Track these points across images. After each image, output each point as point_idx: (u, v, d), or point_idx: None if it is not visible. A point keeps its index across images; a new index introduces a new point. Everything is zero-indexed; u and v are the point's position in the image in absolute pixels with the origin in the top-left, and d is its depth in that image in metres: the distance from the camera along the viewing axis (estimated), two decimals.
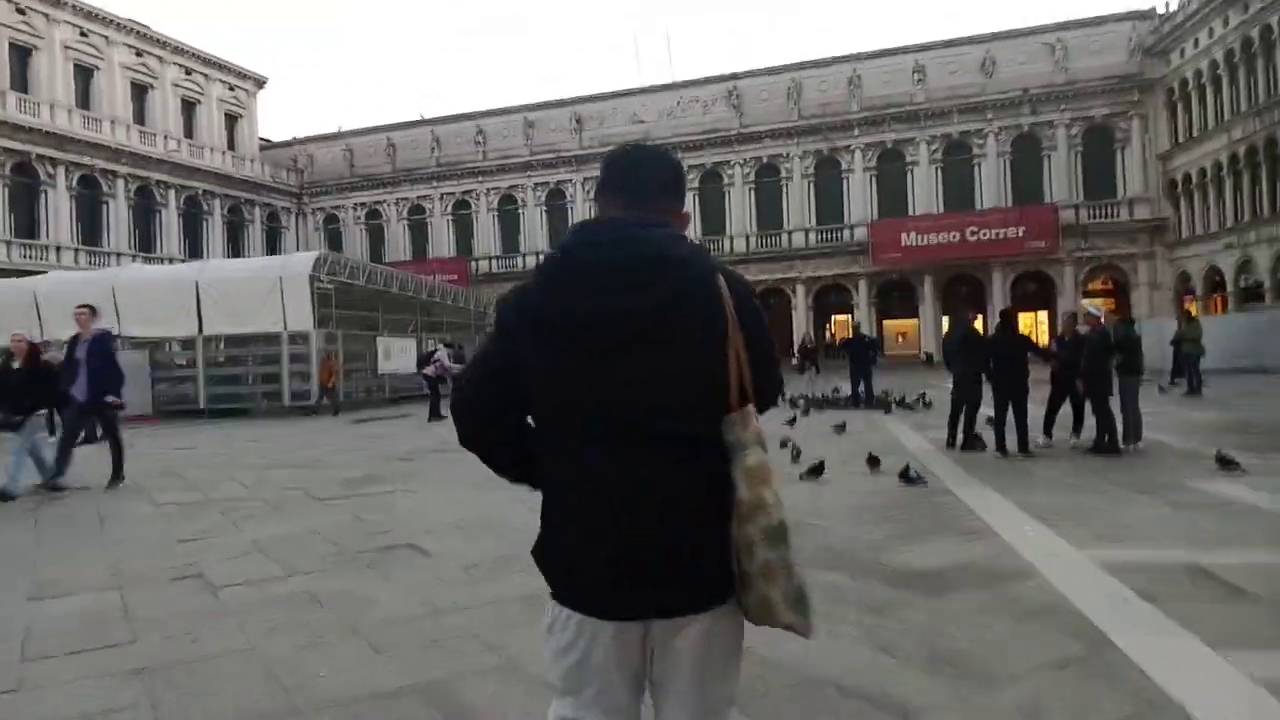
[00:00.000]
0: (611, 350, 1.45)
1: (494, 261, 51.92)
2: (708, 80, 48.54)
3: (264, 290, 20.92)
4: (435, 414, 16.49)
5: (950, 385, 9.54)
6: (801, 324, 46.74)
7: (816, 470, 7.49)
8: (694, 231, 48.00)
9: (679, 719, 1.51)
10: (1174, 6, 38.04)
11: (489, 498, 6.94)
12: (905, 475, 6.92)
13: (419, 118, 56.34)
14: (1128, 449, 8.52)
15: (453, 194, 53.41)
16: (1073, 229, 40.68)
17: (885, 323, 45.56)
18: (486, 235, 52.43)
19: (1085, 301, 9.62)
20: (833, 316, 49.48)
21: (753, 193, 47.33)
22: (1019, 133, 42.26)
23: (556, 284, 1.50)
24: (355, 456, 10.65)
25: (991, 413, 8.97)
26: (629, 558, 1.42)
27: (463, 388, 1.62)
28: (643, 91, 50.13)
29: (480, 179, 52.56)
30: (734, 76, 47.78)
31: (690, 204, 48.09)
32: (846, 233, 45.20)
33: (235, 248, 50.02)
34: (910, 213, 44.17)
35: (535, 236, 51.08)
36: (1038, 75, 41.52)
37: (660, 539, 1.42)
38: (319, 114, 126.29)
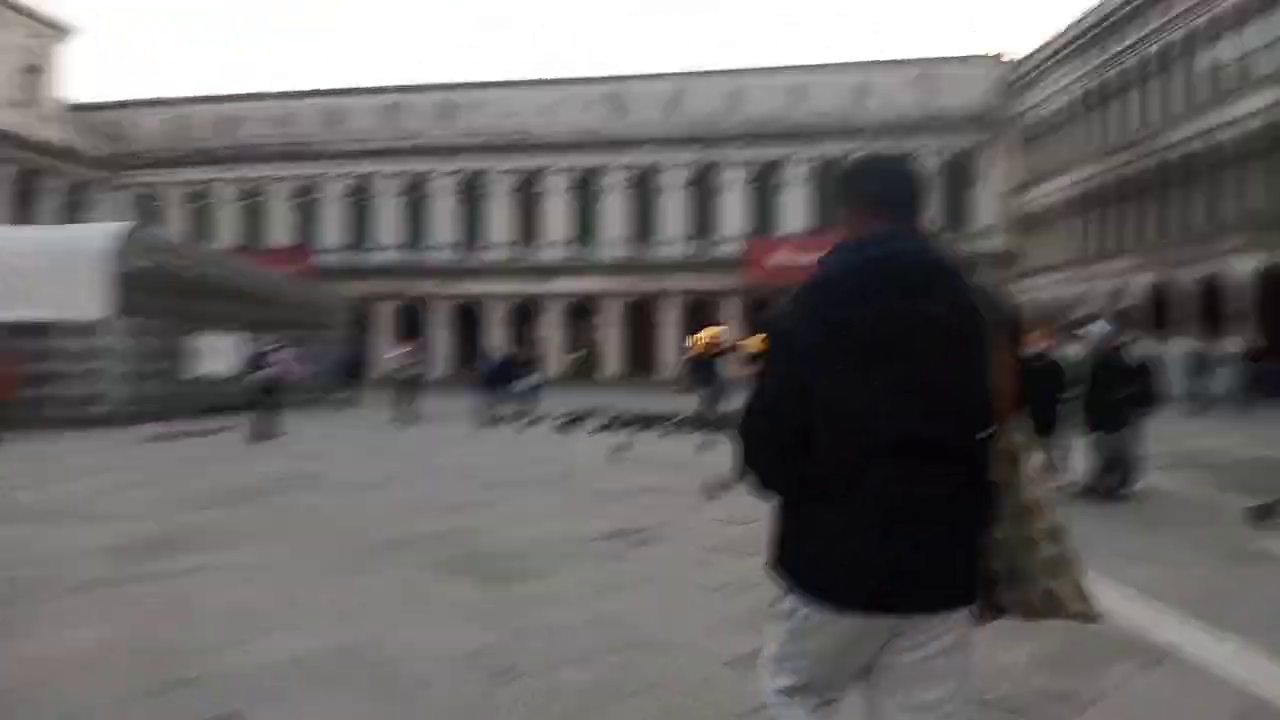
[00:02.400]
0: (913, 356, 1.50)
1: (340, 254, 47.35)
2: (590, 80, 46.63)
3: (47, 267, 16.76)
4: (268, 429, 13.37)
5: None
6: (672, 337, 45.78)
7: None
8: (567, 236, 45.94)
9: (909, 710, 1.55)
10: (1031, 49, 40.22)
11: (364, 584, 4.55)
12: None
13: (263, 90, 50.81)
14: (1126, 493, 7.29)
15: (296, 177, 48.33)
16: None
17: (751, 340, 45.31)
18: (333, 225, 47.76)
19: (1096, 325, 8.28)
20: (701, 329, 48.88)
21: (627, 200, 45.83)
22: None
23: (858, 294, 1.53)
24: (147, 498, 7.69)
25: None
26: (910, 564, 1.47)
27: (760, 430, 1.61)
28: (520, 84, 47.47)
29: (331, 163, 47.89)
30: (617, 79, 46.15)
31: (563, 207, 46.09)
32: (720, 247, 44.62)
33: (28, 221, 42.65)
34: (783, 230, 44.24)
35: (390, 229, 47.06)
36: (907, 105, 42.69)
37: (937, 544, 1.49)
38: (149, 81, 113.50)
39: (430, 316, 46.52)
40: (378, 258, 46.99)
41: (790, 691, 1.63)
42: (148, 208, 49.19)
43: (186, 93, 51.36)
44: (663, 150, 45.20)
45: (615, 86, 45.69)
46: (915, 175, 1.70)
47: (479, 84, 47.81)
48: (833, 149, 43.71)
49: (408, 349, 19.93)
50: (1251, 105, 26.48)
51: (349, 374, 26.72)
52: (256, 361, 14.34)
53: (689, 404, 18.49)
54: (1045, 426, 7.58)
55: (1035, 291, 39.97)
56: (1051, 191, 38.34)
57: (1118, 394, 7.31)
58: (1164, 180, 30.68)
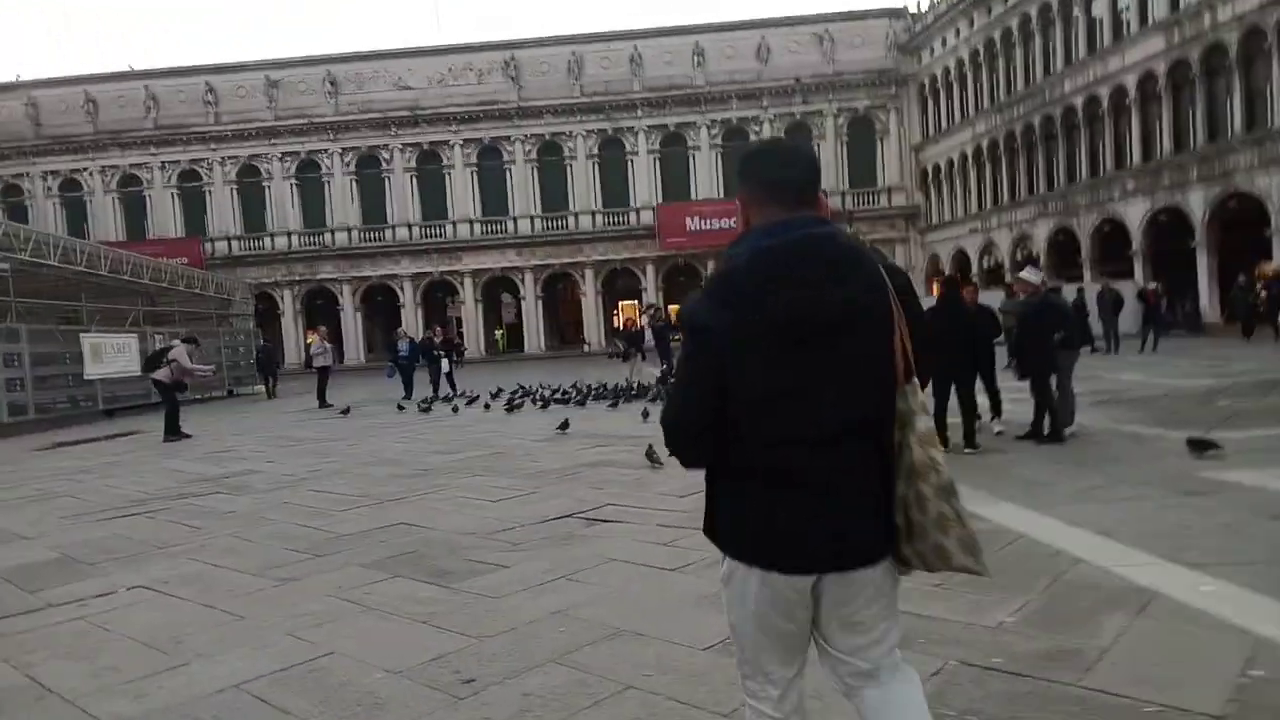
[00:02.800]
0: (824, 340, 1.56)
1: (234, 242, 44.82)
2: (483, 47, 45.16)
3: None
4: (173, 430, 12.45)
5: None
6: (591, 308, 45.36)
7: None
8: (476, 211, 44.70)
9: (857, 652, 1.67)
10: (925, 6, 41.11)
11: (300, 593, 4.14)
12: None
13: (128, 68, 47.17)
14: (1065, 434, 7.46)
15: (177, 162, 45.29)
16: (839, 214, 42.54)
17: (671, 307, 45.28)
18: (223, 212, 45.09)
19: (1026, 271, 8.34)
20: (620, 302, 48.63)
21: (536, 171, 44.88)
22: (792, 121, 43.66)
23: (773, 280, 1.55)
24: (40, 514, 6.94)
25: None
26: (826, 529, 1.58)
27: (679, 411, 1.66)
28: (408, 54, 45.55)
29: (213, 146, 45.02)
30: (511, 45, 44.84)
31: (469, 181, 44.76)
32: (633, 215, 44.30)
33: None
34: (694, 197, 44.21)
35: (285, 213, 44.76)
36: (809, 65, 43.08)
37: (853, 510, 1.60)
38: (1, 66, 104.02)
39: (339, 301, 44.68)
40: (274, 243, 44.68)
41: (747, 665, 1.71)
42: (11, 203, 45.27)
43: (43, 75, 47.11)
44: (566, 119, 44.34)
45: (510, 53, 44.40)
46: (812, 158, 1.74)
47: (366, 55, 45.65)
48: (738, 112, 43.87)
49: (316, 336, 18.88)
50: (1127, 59, 27.76)
51: (262, 365, 25.35)
52: (154, 360, 13.27)
53: (622, 374, 18.32)
54: (986, 371, 7.68)
55: (940, 244, 41.34)
56: (951, 146, 39.51)
57: (1054, 337, 7.43)
58: (1053, 132, 31.99)
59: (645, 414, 10.95)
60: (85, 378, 19.05)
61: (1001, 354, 8.58)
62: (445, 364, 18.43)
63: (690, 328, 1.61)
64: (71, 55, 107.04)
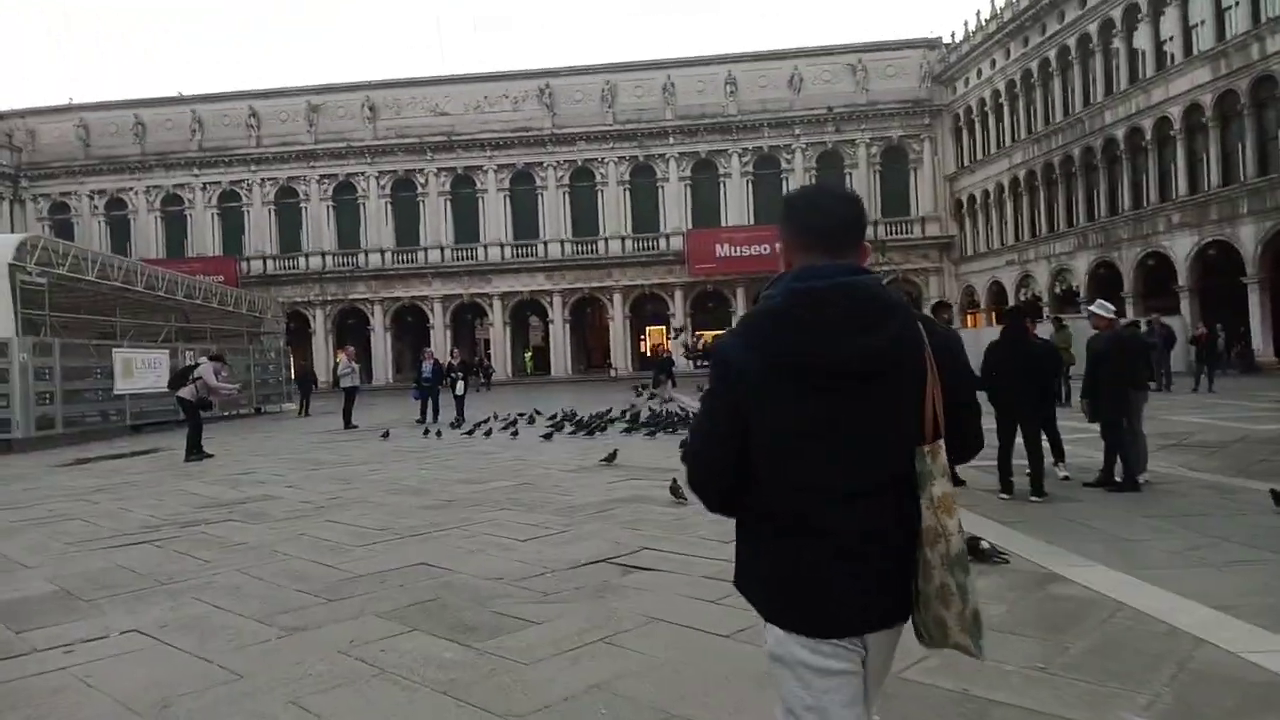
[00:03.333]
0: (848, 389, 1.52)
1: (269, 262, 45.34)
2: (518, 75, 45.56)
3: None
4: (195, 449, 12.22)
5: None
6: (619, 332, 45.08)
7: None
8: (507, 235, 44.81)
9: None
10: (960, 37, 40.74)
11: (308, 646, 3.73)
12: (977, 550, 4.58)
13: (176, 94, 48.26)
14: (1140, 482, 6.87)
15: (218, 183, 46.09)
16: (872, 244, 42.04)
17: (699, 333, 44.89)
18: (260, 232, 45.69)
19: (1097, 305, 7.74)
20: (647, 327, 48.33)
21: (567, 197, 44.96)
22: (824, 149, 43.37)
23: (801, 324, 1.53)
24: (45, 540, 6.63)
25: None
26: (859, 588, 1.54)
27: (699, 453, 1.64)
28: (447, 81, 46.12)
29: (253, 168, 45.76)
30: (547, 73, 45.19)
31: (501, 206, 44.93)
32: (662, 241, 44.12)
33: None
34: (723, 223, 43.96)
35: (321, 235, 45.23)
36: (841, 94, 42.85)
37: (886, 569, 1.55)
38: (55, 87, 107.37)
39: (370, 321, 44.88)
40: (309, 263, 45.09)
41: None
42: (59, 220, 46.27)
43: (95, 99, 48.36)
44: (599, 145, 44.46)
45: (545, 81, 44.72)
46: (856, 205, 1.68)
47: (404, 81, 46.27)
48: (770, 140, 43.68)
49: (344, 355, 18.70)
50: (1171, 90, 27.10)
51: (300, 383, 25.39)
52: (180, 377, 13.10)
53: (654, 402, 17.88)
54: (1046, 410, 7.14)
55: (975, 276, 40.56)
56: (987, 177, 38.90)
57: (1134, 375, 6.87)
58: (1093, 163, 31.30)
59: (684, 444, 10.42)
60: (115, 393, 19.03)
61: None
62: (460, 386, 17.98)
63: (717, 365, 1.59)
64: (70, 54, 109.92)
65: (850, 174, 43.27)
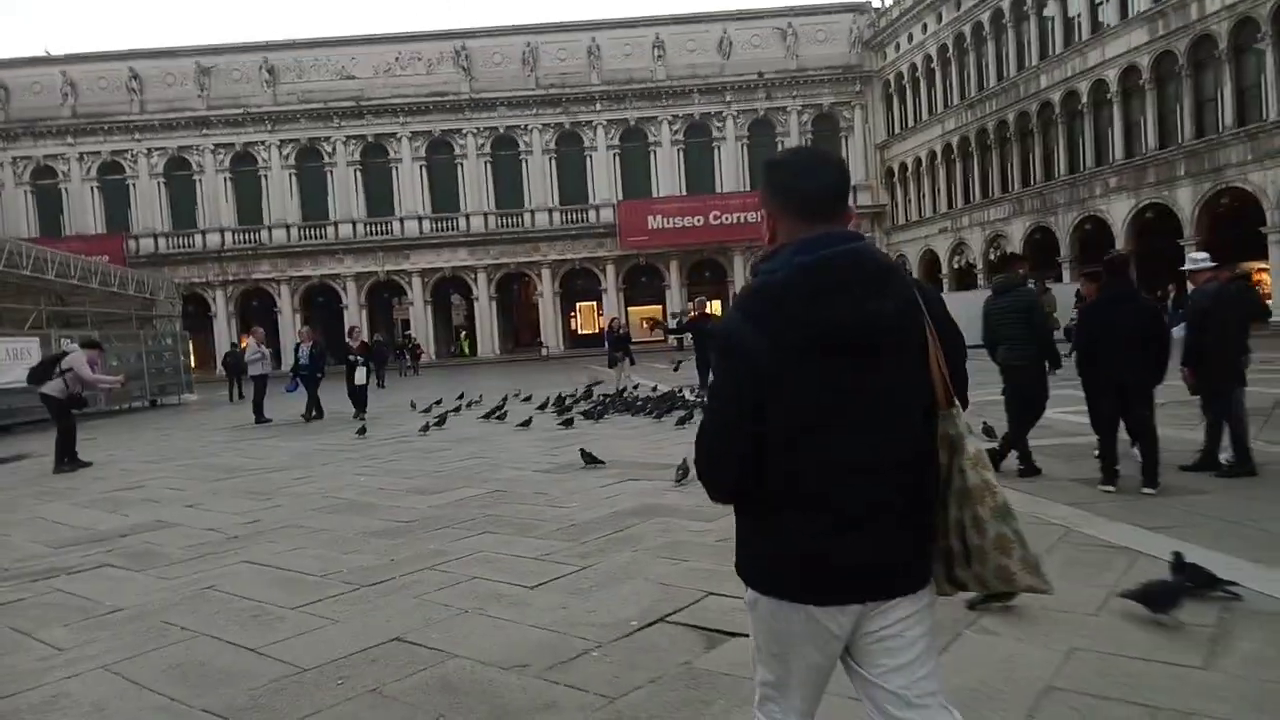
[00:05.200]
0: (865, 361, 1.51)
1: (161, 240, 41.30)
2: (432, 35, 42.57)
3: None
4: (66, 457, 10.00)
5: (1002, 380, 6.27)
6: (549, 310, 43.11)
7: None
8: (425, 207, 42.10)
9: (893, 675, 1.58)
10: (889, 2, 40.10)
11: None
12: (1208, 582, 3.29)
13: (43, 54, 43.25)
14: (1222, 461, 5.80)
15: (97, 154, 41.59)
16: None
17: (630, 309, 43.40)
18: (149, 207, 41.52)
19: (1196, 253, 6.55)
20: (578, 303, 46.50)
21: (489, 166, 42.49)
22: (756, 117, 42.27)
23: (815, 298, 1.51)
24: None
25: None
26: (873, 557, 1.53)
27: (715, 443, 1.59)
28: (354, 42, 42.73)
29: (137, 136, 41.46)
30: (463, 34, 42.41)
31: (417, 176, 42.16)
32: (592, 213, 42.25)
33: None
34: (654, 194, 42.42)
35: (218, 210, 41.45)
36: (771, 60, 41.73)
37: (897, 537, 1.55)
38: None
39: (277, 303, 41.49)
40: (206, 241, 41.28)
41: (768, 688, 1.65)
42: None
43: None
44: (521, 112, 42.08)
45: (462, 42, 41.94)
46: (842, 168, 1.64)
47: (307, 42, 42.69)
48: (701, 107, 42.21)
49: (252, 339, 16.33)
50: (1107, 53, 26.96)
51: (230, 369, 22.97)
52: (42, 369, 10.74)
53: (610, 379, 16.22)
54: (1159, 381, 5.90)
55: (908, 245, 40.34)
56: (919, 144, 38.54)
57: (1239, 342, 5.73)
58: (1028, 128, 31.14)
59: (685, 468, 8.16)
60: None
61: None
62: (361, 374, 14.47)
63: (726, 348, 1.54)
64: None
65: (781, 142, 42.34)
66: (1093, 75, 27.41)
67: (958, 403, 1.61)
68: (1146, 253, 26.14)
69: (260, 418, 14.89)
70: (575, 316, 46.68)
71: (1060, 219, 29.61)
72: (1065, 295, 18.73)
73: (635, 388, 14.97)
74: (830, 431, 1.50)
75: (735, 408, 1.53)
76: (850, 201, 1.65)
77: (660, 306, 43.13)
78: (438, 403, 14.84)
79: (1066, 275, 28.22)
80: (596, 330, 44.86)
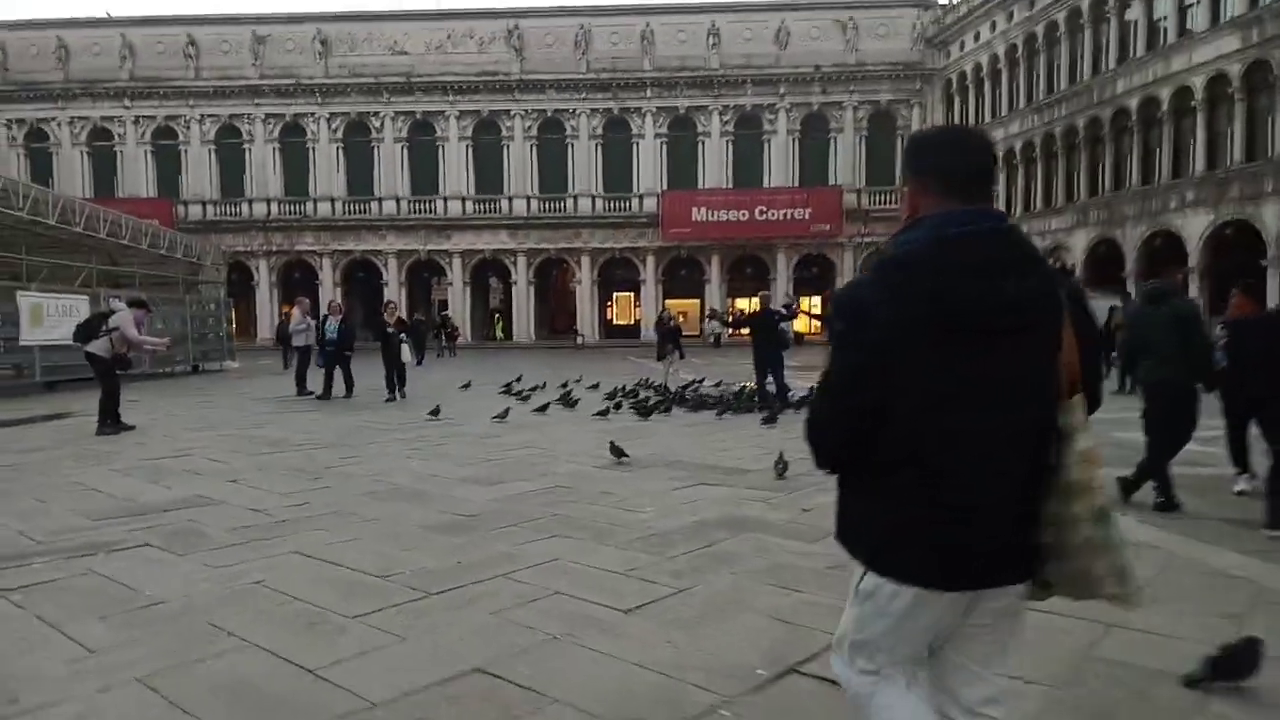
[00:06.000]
0: (1000, 340, 1.49)
1: (209, 207, 41.51)
2: (485, 14, 42.18)
3: None
4: (110, 419, 9.69)
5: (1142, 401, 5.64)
6: (586, 298, 42.61)
7: None
8: (468, 188, 41.80)
9: (976, 662, 1.61)
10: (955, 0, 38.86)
11: None
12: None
13: (105, 15, 43.61)
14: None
15: (153, 118, 41.90)
16: (854, 213, 40.54)
17: (667, 302, 42.71)
18: (199, 173, 41.76)
19: None
20: (615, 293, 45.93)
21: (535, 149, 42.05)
22: (809, 111, 41.28)
23: (962, 271, 1.48)
24: None
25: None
26: (988, 544, 1.51)
27: (830, 403, 1.57)
28: (406, 17, 42.50)
29: (191, 103, 41.67)
30: (516, 14, 41.94)
31: (463, 156, 41.86)
32: (635, 202, 41.65)
33: None
34: (700, 185, 41.67)
35: (266, 179, 41.55)
36: (829, 53, 40.67)
37: (1015, 522, 1.53)
38: None
39: (318, 275, 41.51)
40: (252, 210, 41.41)
41: (876, 672, 1.62)
42: None
43: (10, 18, 43.27)
44: (570, 95, 41.55)
45: (515, 22, 41.47)
46: (990, 149, 1.65)
47: (360, 15, 42.53)
48: (753, 98, 41.32)
49: (297, 310, 16.00)
50: (1191, 59, 25.66)
51: (282, 338, 22.78)
52: (88, 327, 10.44)
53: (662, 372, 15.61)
54: None
55: None
56: None
57: None
58: (1100, 135, 29.87)
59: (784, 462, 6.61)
60: (21, 343, 16.14)
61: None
62: (405, 351, 13.91)
63: (855, 315, 1.52)
64: None
65: (835, 139, 41.39)
66: (1176, 81, 26.12)
67: (1080, 397, 1.59)
68: (1224, 270, 24.88)
69: (303, 389, 14.57)
70: (612, 306, 46.15)
71: (1127, 232, 28.37)
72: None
73: (667, 380, 14.46)
74: (955, 408, 1.48)
75: (853, 370, 1.51)
76: (993, 184, 1.62)
77: (698, 301, 42.44)
78: (517, 380, 14.52)
79: (1132, 290, 27.03)
80: (633, 321, 44.43)
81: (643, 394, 12.54)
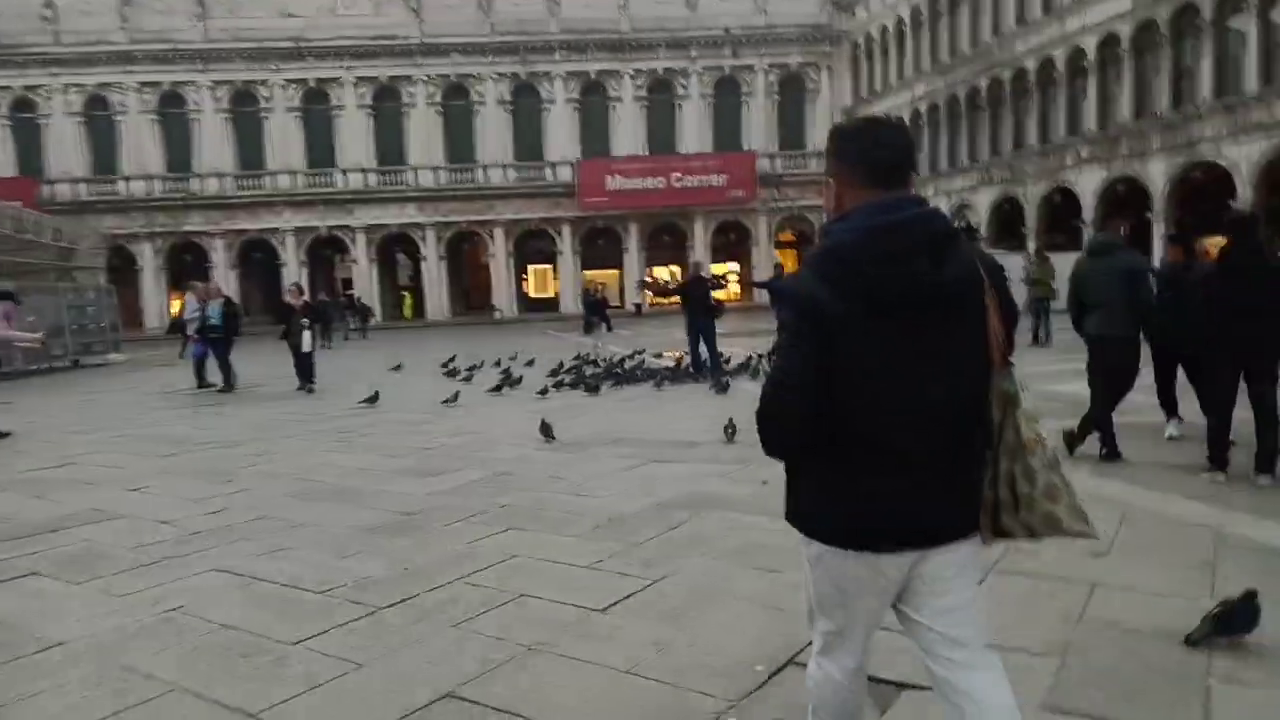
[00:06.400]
0: (931, 319, 1.59)
1: (81, 186, 38.25)
2: None
3: None
4: None
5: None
6: (502, 271, 41.56)
7: None
8: (370, 159, 39.94)
9: (943, 616, 1.70)
10: None
11: None
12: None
13: None
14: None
15: (8, 89, 38.12)
16: (768, 178, 40.80)
17: (585, 273, 42.19)
18: (65, 149, 38.30)
19: None
20: (531, 266, 44.98)
21: (440, 118, 40.44)
22: (721, 75, 41.09)
23: (888, 258, 1.57)
24: None
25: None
26: (929, 506, 1.63)
27: (781, 398, 1.63)
28: None
29: (53, 70, 38.09)
30: None
31: (363, 126, 39.96)
32: (549, 171, 40.70)
33: None
34: (615, 153, 41.03)
35: (144, 155, 38.56)
36: (739, 14, 40.39)
37: (952, 487, 1.65)
38: None
39: (210, 258, 38.98)
40: (130, 188, 38.41)
41: (839, 632, 1.75)
42: None
43: None
44: (475, 60, 40.03)
45: None
46: (908, 138, 1.74)
47: None
48: (665, 62, 40.79)
49: (192, 295, 14.77)
50: (1085, 21, 26.62)
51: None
52: None
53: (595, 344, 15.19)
54: None
55: None
56: (887, 109, 37.82)
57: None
58: (1001, 96, 30.78)
59: (730, 428, 6.76)
60: None
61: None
62: (306, 339, 12.31)
63: (797, 304, 1.60)
64: None
65: (748, 103, 41.38)
66: (1070, 42, 27.05)
67: (1013, 362, 1.70)
68: (1113, 227, 26.15)
69: (202, 382, 13.54)
70: (528, 279, 45.25)
71: (1028, 190, 29.47)
72: (1064, 265, 18.38)
73: (596, 350, 14.08)
74: (890, 384, 1.57)
75: (804, 364, 1.58)
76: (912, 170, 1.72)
77: (618, 271, 42.12)
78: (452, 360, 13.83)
79: (1031, 246, 28.15)
80: (552, 294, 43.69)
81: (588, 370, 12.11)
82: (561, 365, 12.14)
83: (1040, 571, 3.50)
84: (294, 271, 37.99)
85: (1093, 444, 5.73)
